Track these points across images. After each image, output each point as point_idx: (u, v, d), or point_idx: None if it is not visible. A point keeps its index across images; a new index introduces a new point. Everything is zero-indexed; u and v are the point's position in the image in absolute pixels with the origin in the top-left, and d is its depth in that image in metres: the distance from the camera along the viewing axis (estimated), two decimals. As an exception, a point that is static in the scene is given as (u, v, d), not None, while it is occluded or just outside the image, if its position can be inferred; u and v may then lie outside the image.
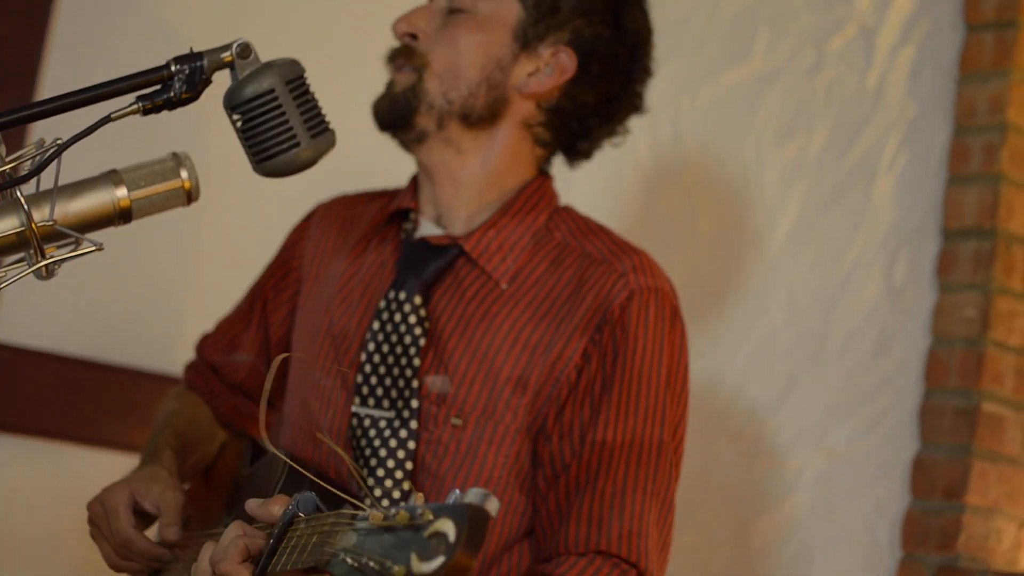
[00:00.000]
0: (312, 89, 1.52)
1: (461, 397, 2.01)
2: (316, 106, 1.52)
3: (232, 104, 1.49)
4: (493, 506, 1.27)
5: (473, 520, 1.25)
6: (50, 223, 1.43)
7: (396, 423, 2.01)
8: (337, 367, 2.09)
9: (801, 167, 3.24)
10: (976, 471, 2.89)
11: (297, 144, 1.49)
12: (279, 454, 1.75)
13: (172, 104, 1.47)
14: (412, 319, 2.05)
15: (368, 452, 2.01)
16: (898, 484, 3.00)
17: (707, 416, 3.17)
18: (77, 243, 1.45)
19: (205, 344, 2.36)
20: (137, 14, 2.78)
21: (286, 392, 2.21)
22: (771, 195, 3.26)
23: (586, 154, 2.22)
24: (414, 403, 2.01)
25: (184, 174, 1.49)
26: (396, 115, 2.10)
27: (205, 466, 2.24)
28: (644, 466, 1.98)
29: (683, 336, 2.08)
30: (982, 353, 2.92)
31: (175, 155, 1.50)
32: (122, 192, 1.47)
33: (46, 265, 1.43)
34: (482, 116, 2.10)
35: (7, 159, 1.42)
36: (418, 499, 1.31)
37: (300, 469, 1.66)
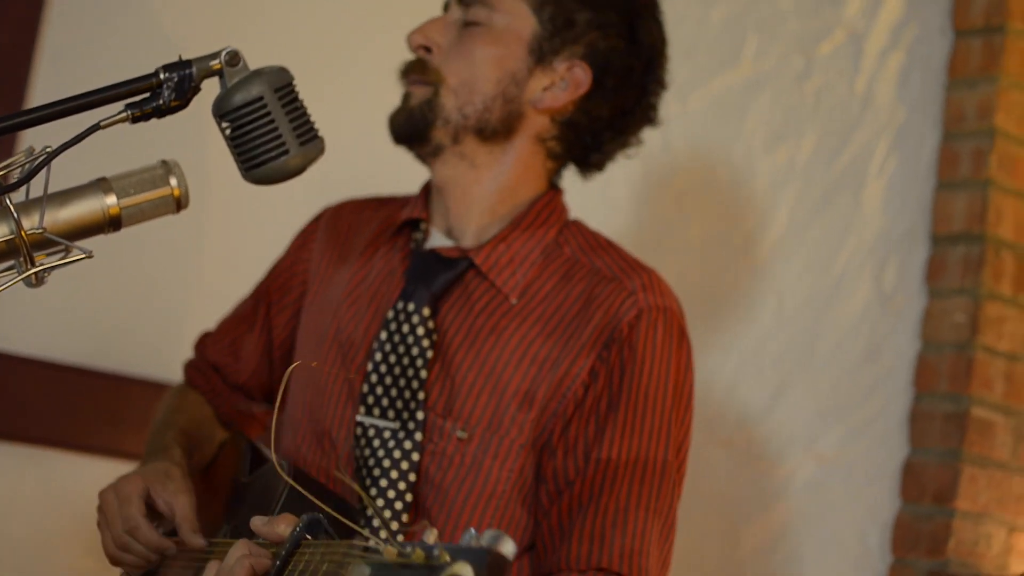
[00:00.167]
0: (301, 97, 1.52)
1: (467, 410, 2.01)
2: (305, 114, 1.52)
3: (221, 112, 1.49)
4: (510, 550, 1.25)
5: (492, 566, 1.22)
6: (40, 231, 1.43)
7: (401, 434, 2.01)
8: (344, 375, 2.09)
9: (790, 172, 3.24)
10: (966, 476, 2.90)
11: (286, 151, 1.49)
12: (290, 481, 1.74)
13: (161, 112, 1.47)
14: (420, 330, 2.04)
15: (372, 462, 2.00)
16: (888, 489, 3.00)
17: (698, 421, 3.15)
18: (67, 251, 1.45)
19: (206, 343, 2.35)
20: (127, 22, 2.78)
21: (289, 394, 2.20)
22: (761, 201, 3.26)
23: (598, 166, 2.21)
24: (420, 415, 2.01)
25: (173, 181, 1.49)
26: (412, 129, 2.09)
27: (203, 466, 2.23)
28: (647, 485, 1.98)
29: (689, 355, 2.08)
30: (971, 358, 2.93)
31: (164, 163, 1.50)
32: (112, 200, 1.46)
33: (36, 273, 1.42)
34: (497, 130, 2.09)
35: (-4, 167, 1.42)
36: (432, 535, 1.29)
37: (306, 493, 1.64)
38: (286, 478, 1.74)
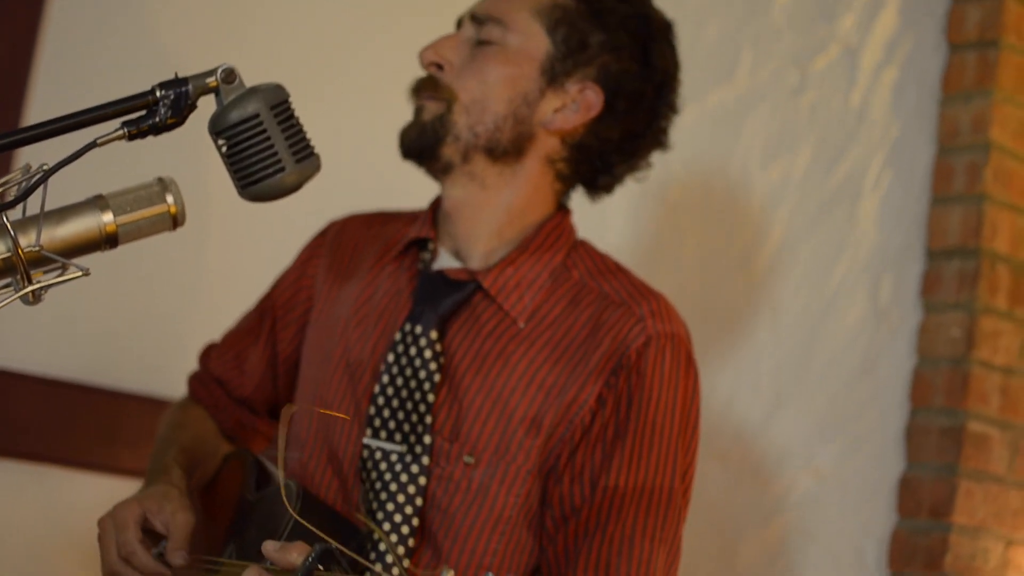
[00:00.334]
0: (297, 114, 1.52)
1: (474, 435, 2.00)
2: (301, 131, 1.52)
3: (217, 129, 1.49)
4: None
5: None
6: (36, 248, 1.43)
7: (408, 458, 2.00)
8: (351, 397, 2.09)
9: (786, 187, 3.25)
10: (962, 490, 2.90)
11: (282, 169, 1.49)
12: (300, 520, 1.73)
13: (157, 129, 1.47)
14: (427, 353, 2.03)
15: (379, 486, 2.00)
16: (884, 504, 3.00)
17: (694, 436, 3.17)
18: (64, 268, 1.45)
19: (210, 356, 2.34)
20: (124, 40, 2.79)
21: (296, 412, 2.20)
22: (756, 215, 3.27)
23: (607, 189, 2.20)
24: (427, 439, 2.00)
25: (170, 199, 1.49)
26: (423, 145, 2.08)
27: (206, 481, 2.22)
28: (653, 513, 1.97)
29: (696, 382, 2.07)
30: (967, 372, 2.93)
31: (161, 180, 1.50)
32: (108, 217, 1.47)
33: (33, 290, 1.43)
34: (507, 151, 2.08)
35: (-7, 185, 1.42)
36: None
37: (312, 528, 1.64)
38: (300, 520, 1.73)
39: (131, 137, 1.47)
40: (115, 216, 1.47)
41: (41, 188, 1.42)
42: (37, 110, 2.66)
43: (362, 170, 2.85)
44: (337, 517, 1.93)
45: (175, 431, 2.21)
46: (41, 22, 2.70)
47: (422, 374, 2.02)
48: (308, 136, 1.53)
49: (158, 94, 1.47)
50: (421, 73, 2.14)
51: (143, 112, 1.47)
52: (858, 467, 3.06)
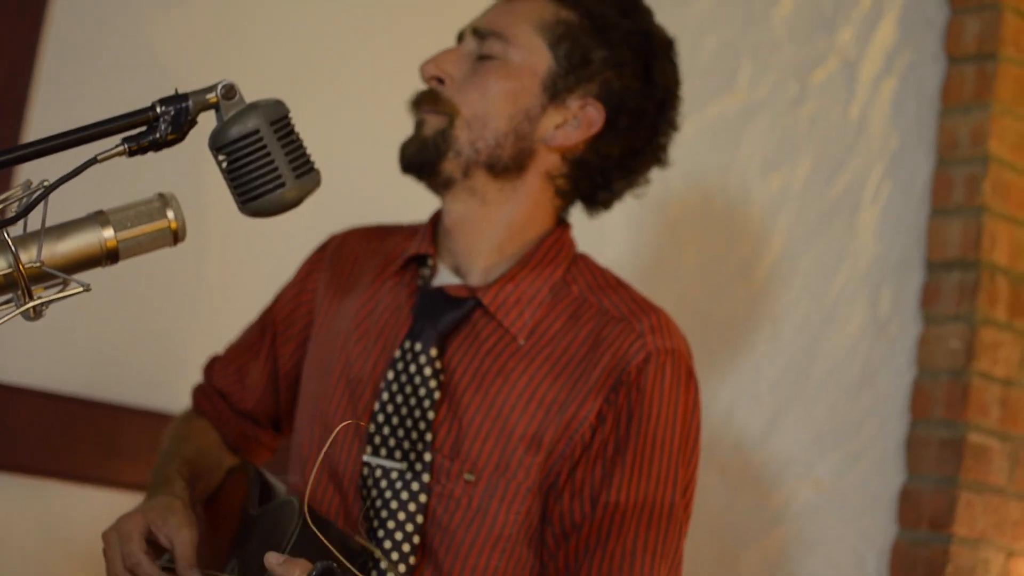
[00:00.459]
0: (297, 129, 1.53)
1: (475, 453, 1.99)
2: (301, 146, 1.52)
3: (217, 145, 1.49)
4: None
5: None
6: (37, 264, 1.43)
7: (408, 475, 1.99)
8: (351, 414, 2.08)
9: (785, 199, 3.25)
10: (963, 502, 2.90)
11: (282, 184, 1.49)
12: (312, 528, 1.74)
13: (158, 145, 1.47)
14: (427, 371, 2.02)
15: (379, 503, 1.99)
16: (885, 515, 3.00)
17: (694, 448, 3.17)
18: (65, 284, 1.45)
19: (213, 368, 2.33)
20: (123, 56, 2.79)
21: (297, 428, 2.20)
22: (756, 227, 3.27)
23: (605, 205, 2.19)
24: (427, 456, 1.99)
25: (170, 214, 1.49)
26: (424, 160, 2.07)
27: (209, 493, 2.22)
28: (654, 528, 1.96)
29: (697, 397, 2.06)
30: (967, 384, 2.94)
31: (161, 195, 1.50)
32: (109, 233, 1.47)
33: (34, 306, 1.43)
34: (508, 167, 2.07)
35: (-6, 201, 1.43)
36: None
37: (328, 544, 1.64)
38: (312, 526, 1.73)
39: (131, 153, 1.47)
40: (116, 232, 1.47)
41: (42, 204, 1.42)
42: (37, 126, 2.66)
43: (362, 184, 2.85)
44: (340, 534, 1.93)
45: (179, 443, 2.21)
46: (40, 39, 2.70)
47: (422, 391, 2.02)
48: (308, 151, 1.53)
49: (158, 110, 1.47)
50: (421, 86, 2.13)
51: (143, 128, 1.47)
52: (858, 478, 3.06)
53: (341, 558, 1.56)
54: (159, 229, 1.49)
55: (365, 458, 2.02)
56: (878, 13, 3.21)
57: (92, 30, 2.77)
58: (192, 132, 1.50)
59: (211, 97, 1.49)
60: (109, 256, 1.47)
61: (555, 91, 2.08)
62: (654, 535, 1.96)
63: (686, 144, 3.39)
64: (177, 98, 1.48)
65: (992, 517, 2.94)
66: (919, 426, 3.00)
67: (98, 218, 1.47)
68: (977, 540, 2.91)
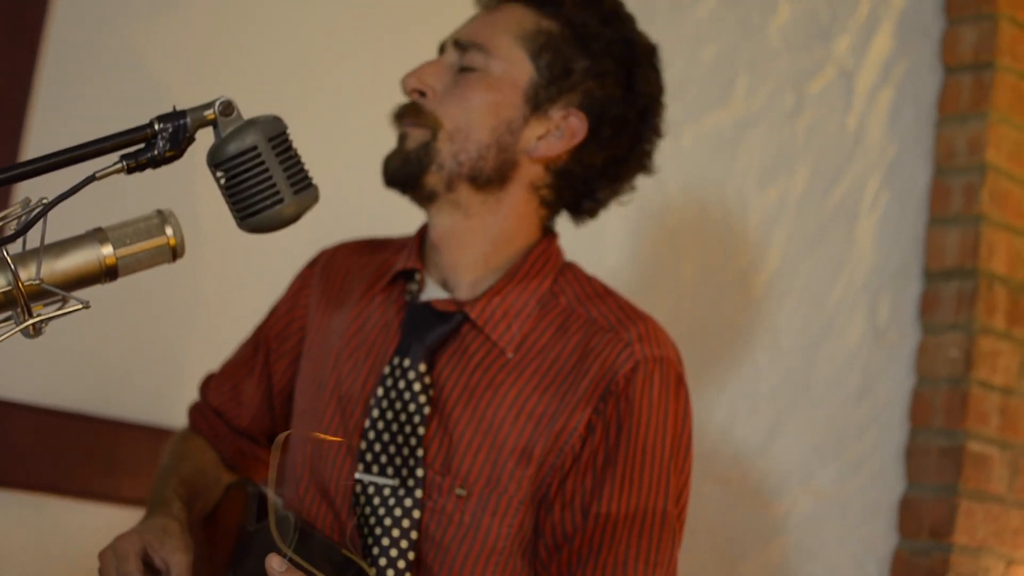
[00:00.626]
0: (295, 145, 1.53)
1: (465, 468, 1.98)
2: (299, 162, 1.52)
3: (215, 161, 1.49)
4: None
5: None
6: (37, 282, 1.43)
7: (401, 492, 1.99)
8: (342, 431, 2.08)
9: (783, 210, 3.25)
10: (963, 510, 2.90)
11: (281, 200, 1.49)
12: (299, 560, 1.74)
13: (156, 162, 1.47)
14: (416, 387, 2.02)
15: (373, 520, 1.99)
16: (885, 524, 3.00)
17: (694, 458, 3.17)
18: (64, 301, 1.45)
19: (209, 386, 2.33)
20: (120, 74, 2.79)
21: (291, 446, 2.19)
22: (754, 237, 3.27)
23: (591, 214, 2.18)
24: (419, 472, 1.98)
25: (169, 231, 1.50)
26: (407, 174, 2.06)
27: (207, 511, 2.21)
28: (647, 537, 1.96)
29: (687, 404, 2.05)
30: (966, 392, 2.94)
31: (160, 212, 1.50)
32: (108, 250, 1.47)
33: (34, 324, 1.43)
34: (491, 179, 2.06)
35: (-7, 219, 1.43)
36: None
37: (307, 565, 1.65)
38: (292, 554, 1.74)
39: (130, 171, 1.47)
40: (115, 249, 1.47)
41: (41, 222, 1.42)
42: (35, 144, 2.67)
43: (360, 198, 2.85)
44: (334, 549, 1.93)
45: (176, 462, 2.20)
46: (38, 56, 2.71)
47: (412, 407, 2.01)
48: (306, 167, 1.53)
49: (156, 127, 1.47)
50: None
51: (142, 145, 1.47)
52: (858, 488, 3.06)
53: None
54: (158, 246, 1.49)
55: (357, 476, 2.01)
56: (874, 23, 3.21)
57: (89, 48, 2.77)
58: (188, 148, 1.50)
59: (209, 114, 1.49)
60: (108, 273, 1.47)
61: (537, 102, 2.07)
62: (646, 544, 1.96)
63: (684, 155, 3.39)
64: (175, 115, 1.48)
65: (992, 525, 2.94)
66: (919, 435, 3.00)
67: (97, 235, 1.47)
68: (977, 549, 2.91)
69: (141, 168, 1.47)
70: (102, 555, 1.96)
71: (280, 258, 2.55)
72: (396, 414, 2.02)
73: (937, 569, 2.90)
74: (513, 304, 2.07)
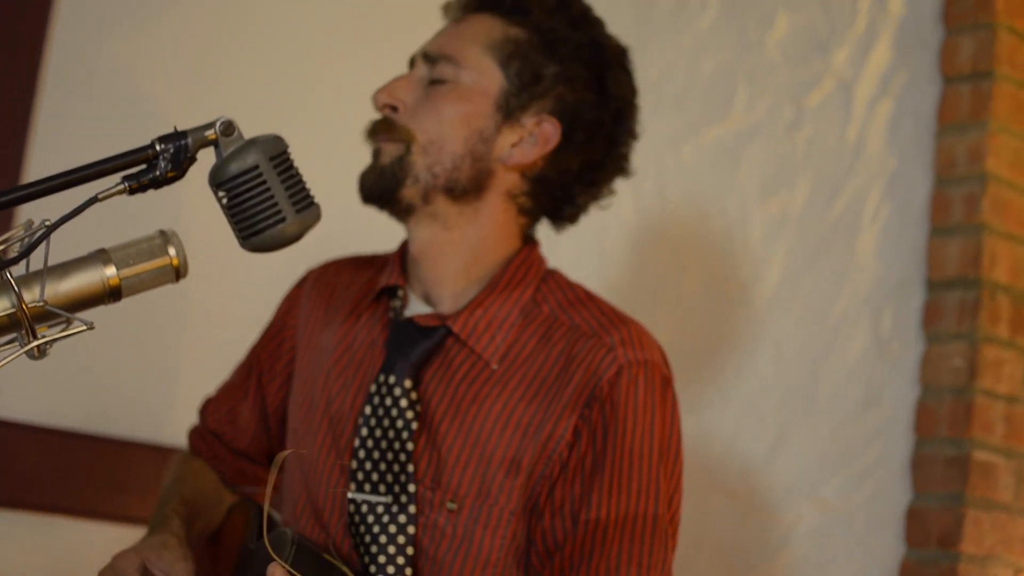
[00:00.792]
0: (296, 164, 1.53)
1: (455, 481, 1.99)
2: (301, 181, 1.52)
3: (217, 181, 1.50)
4: None
5: None
6: (40, 304, 1.43)
7: (394, 508, 1.99)
8: (334, 451, 2.08)
9: (784, 222, 3.26)
10: (970, 519, 2.90)
11: (283, 219, 1.50)
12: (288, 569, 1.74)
13: (158, 183, 1.47)
14: (403, 403, 2.02)
15: (368, 539, 1.99)
16: (892, 535, 3.00)
17: (699, 472, 3.17)
18: (68, 322, 1.46)
19: (207, 410, 2.34)
20: (121, 94, 2.80)
21: (286, 467, 2.19)
22: (756, 250, 3.27)
23: (571, 219, 2.19)
24: (411, 488, 1.98)
25: (172, 251, 1.50)
26: (383, 189, 2.07)
27: (210, 532, 2.22)
28: (638, 542, 1.95)
29: (675, 406, 2.05)
30: (971, 402, 2.94)
31: (163, 232, 1.51)
32: (111, 271, 1.47)
33: (38, 345, 1.43)
34: (467, 189, 2.07)
35: (-4, 241, 1.43)
36: None
37: None
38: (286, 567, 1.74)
39: (132, 191, 1.47)
40: (118, 269, 1.47)
41: (44, 244, 1.43)
42: (37, 166, 2.67)
43: (353, 216, 2.85)
44: (332, 566, 1.93)
45: (177, 484, 2.21)
46: (39, 78, 2.71)
47: (399, 424, 2.01)
48: (308, 186, 1.54)
49: (158, 148, 1.47)
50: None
51: (143, 166, 1.48)
52: (865, 499, 3.05)
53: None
54: (161, 266, 1.50)
55: (349, 495, 2.01)
56: (873, 34, 3.22)
57: (89, 70, 2.78)
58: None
59: (210, 134, 1.50)
60: (112, 294, 1.48)
61: (509, 110, 2.07)
62: (638, 548, 1.95)
63: (684, 169, 3.40)
64: (176, 135, 1.48)
65: (999, 534, 2.93)
66: (924, 445, 3.00)
67: (100, 256, 1.48)
68: (985, 557, 2.90)
69: (143, 189, 1.48)
70: (102, 574, 1.96)
71: (284, 276, 2.55)
72: (385, 431, 2.02)
73: (945, 579, 2.89)
74: (496, 315, 2.07)
